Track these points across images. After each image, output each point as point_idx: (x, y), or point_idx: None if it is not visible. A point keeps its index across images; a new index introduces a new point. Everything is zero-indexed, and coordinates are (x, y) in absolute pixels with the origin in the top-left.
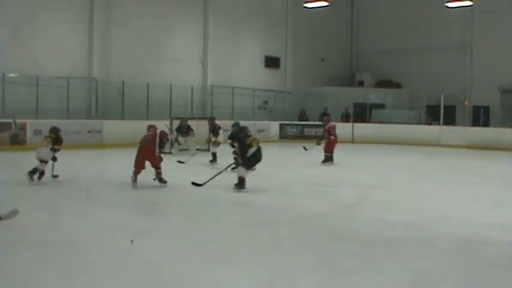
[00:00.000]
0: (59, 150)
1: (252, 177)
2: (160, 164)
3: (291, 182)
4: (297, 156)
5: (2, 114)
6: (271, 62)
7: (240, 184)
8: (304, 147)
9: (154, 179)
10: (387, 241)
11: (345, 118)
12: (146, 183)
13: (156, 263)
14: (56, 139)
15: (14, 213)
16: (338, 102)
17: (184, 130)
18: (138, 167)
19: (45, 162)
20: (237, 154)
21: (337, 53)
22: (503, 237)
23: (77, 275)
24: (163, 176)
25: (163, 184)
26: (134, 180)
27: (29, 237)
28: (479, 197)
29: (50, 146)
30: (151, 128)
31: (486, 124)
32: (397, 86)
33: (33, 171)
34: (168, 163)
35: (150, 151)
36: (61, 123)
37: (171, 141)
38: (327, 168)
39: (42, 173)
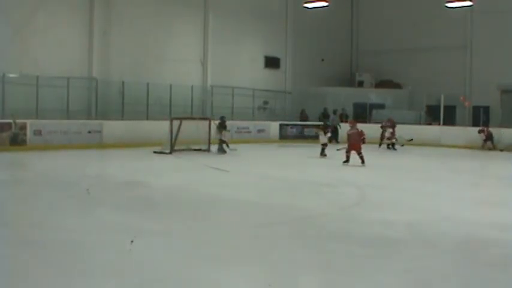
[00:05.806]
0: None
1: (252, 177)
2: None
3: (291, 182)
4: (297, 156)
5: (2, 114)
6: (271, 62)
7: None
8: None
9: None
10: (387, 241)
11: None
12: (146, 183)
13: (156, 263)
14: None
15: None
16: (338, 102)
17: (225, 126)
18: None
19: None
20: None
21: (337, 53)
22: (503, 237)
23: (77, 275)
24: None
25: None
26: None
27: (29, 237)
28: (479, 197)
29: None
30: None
31: (486, 124)
32: (397, 86)
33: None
34: (166, 163)
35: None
36: (61, 123)
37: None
38: (327, 169)
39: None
